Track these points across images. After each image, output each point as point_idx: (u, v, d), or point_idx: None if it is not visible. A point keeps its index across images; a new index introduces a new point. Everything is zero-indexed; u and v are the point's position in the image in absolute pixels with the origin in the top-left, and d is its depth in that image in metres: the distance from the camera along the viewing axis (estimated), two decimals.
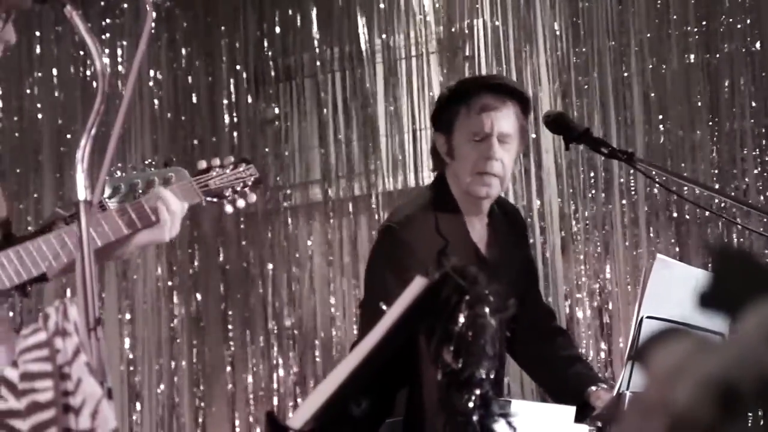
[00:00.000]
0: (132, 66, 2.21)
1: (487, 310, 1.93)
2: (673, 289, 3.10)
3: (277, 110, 5.73)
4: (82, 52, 5.65)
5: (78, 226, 2.01)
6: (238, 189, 3.02)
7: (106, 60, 5.52)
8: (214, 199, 2.99)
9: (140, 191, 2.84)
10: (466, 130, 3.47)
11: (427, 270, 1.93)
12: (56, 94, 5.70)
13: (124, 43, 5.75)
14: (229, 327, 5.70)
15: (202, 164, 3.01)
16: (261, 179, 3.10)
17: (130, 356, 5.65)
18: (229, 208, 3.02)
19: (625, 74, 4.98)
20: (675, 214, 4.86)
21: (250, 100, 5.77)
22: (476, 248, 3.51)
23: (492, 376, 1.97)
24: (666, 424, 0.88)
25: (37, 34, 5.71)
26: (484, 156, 3.44)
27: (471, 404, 1.90)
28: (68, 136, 5.65)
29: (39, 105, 5.68)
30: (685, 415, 0.86)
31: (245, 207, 3.04)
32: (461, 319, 1.92)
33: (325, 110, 5.60)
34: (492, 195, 3.51)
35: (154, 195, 2.81)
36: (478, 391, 1.91)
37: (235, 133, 5.78)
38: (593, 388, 3.43)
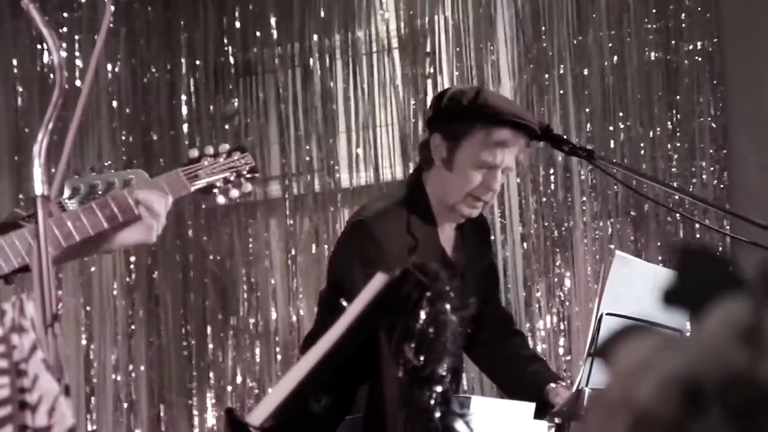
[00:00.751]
0: (90, 60, 2.18)
1: (447, 306, 1.93)
2: (632, 286, 3.11)
3: (236, 105, 5.70)
4: (39, 46, 5.61)
5: (36, 221, 1.98)
6: (231, 179, 2.90)
7: (64, 54, 5.48)
8: (213, 191, 2.86)
9: (100, 192, 2.75)
10: (478, 156, 3.39)
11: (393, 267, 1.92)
12: (14, 85, 5.65)
13: (81, 37, 5.70)
14: (188, 324, 5.67)
15: (194, 153, 2.87)
16: (257, 168, 2.96)
17: (88, 353, 5.61)
18: (221, 199, 2.86)
19: (585, 71, 4.99)
20: (634, 211, 4.88)
21: (209, 95, 5.74)
22: (443, 251, 3.51)
23: (452, 374, 1.97)
24: (629, 422, 0.87)
25: None
26: (486, 185, 3.40)
27: (432, 401, 1.90)
28: (26, 130, 5.60)
29: None
30: (648, 413, 0.86)
31: (240, 197, 2.92)
32: (422, 316, 1.91)
33: (284, 106, 5.58)
34: (475, 215, 3.50)
35: (134, 190, 2.71)
36: (439, 388, 1.90)
37: (194, 128, 5.75)
38: (552, 385, 3.44)
